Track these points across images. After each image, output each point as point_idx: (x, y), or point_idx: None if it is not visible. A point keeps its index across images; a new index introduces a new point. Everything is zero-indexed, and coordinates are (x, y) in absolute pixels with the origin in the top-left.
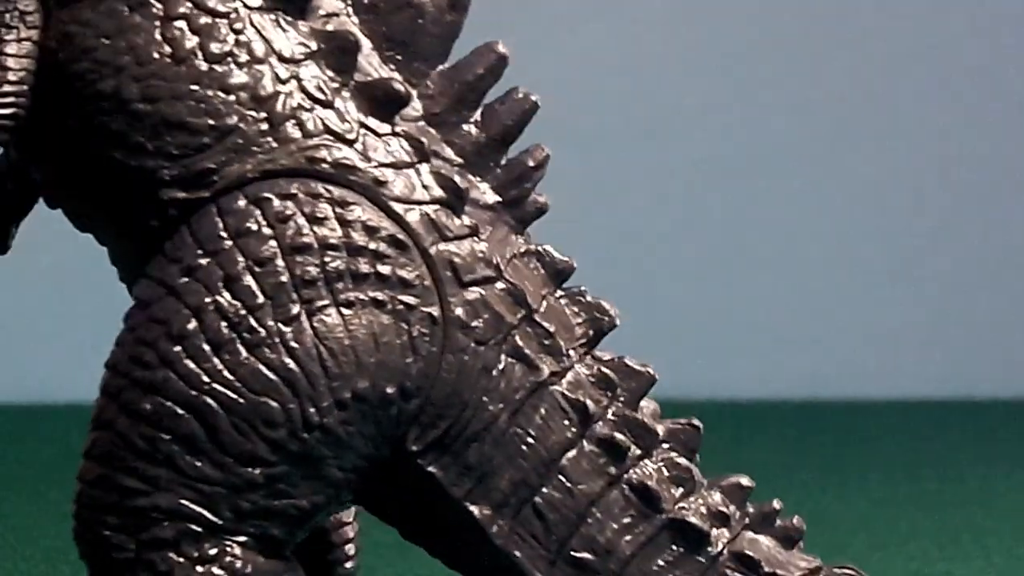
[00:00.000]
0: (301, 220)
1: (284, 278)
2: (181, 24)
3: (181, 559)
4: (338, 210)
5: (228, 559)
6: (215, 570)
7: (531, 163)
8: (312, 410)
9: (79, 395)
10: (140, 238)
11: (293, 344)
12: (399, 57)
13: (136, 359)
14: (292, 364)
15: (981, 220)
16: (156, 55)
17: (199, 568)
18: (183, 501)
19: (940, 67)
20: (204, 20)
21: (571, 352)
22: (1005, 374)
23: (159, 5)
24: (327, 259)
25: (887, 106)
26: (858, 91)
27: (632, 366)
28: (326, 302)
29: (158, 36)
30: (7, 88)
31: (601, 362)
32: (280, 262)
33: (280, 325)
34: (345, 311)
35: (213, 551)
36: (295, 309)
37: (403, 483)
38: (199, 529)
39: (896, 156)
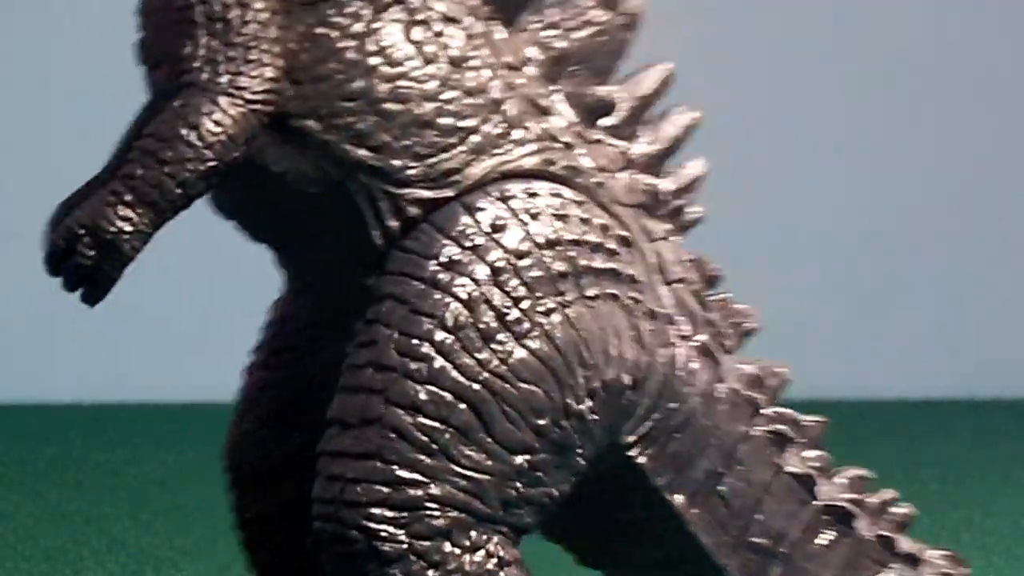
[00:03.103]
0: (548, 216)
1: (541, 271)
2: (424, 28)
3: (455, 549)
4: (575, 209)
5: (493, 547)
6: (484, 559)
7: (693, 174)
8: (571, 399)
9: (79, 395)
10: (367, 241)
11: (555, 334)
12: (578, 73)
13: (406, 352)
14: (555, 354)
15: (981, 220)
16: (404, 56)
17: (469, 557)
18: (455, 490)
19: (939, 68)
20: (443, 26)
21: (731, 351)
22: (1005, 374)
23: (402, 8)
24: (572, 254)
25: (887, 106)
26: (861, 94)
27: (771, 367)
28: (575, 295)
29: (404, 38)
30: (267, 86)
31: (746, 362)
32: (536, 256)
33: (540, 316)
34: (590, 304)
35: (482, 539)
36: (552, 301)
37: (604, 475)
38: (470, 518)
39: (896, 156)
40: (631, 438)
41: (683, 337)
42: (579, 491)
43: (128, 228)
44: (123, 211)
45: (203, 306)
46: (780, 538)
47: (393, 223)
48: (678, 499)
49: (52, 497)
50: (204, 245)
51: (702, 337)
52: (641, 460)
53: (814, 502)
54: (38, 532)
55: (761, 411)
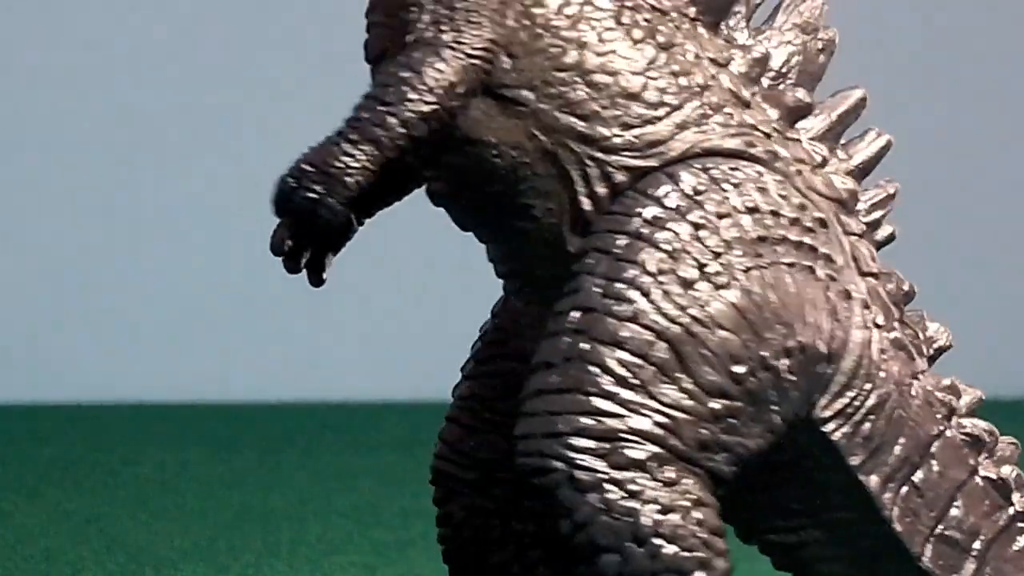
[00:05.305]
0: (749, 186)
1: (740, 232)
2: (633, 13)
3: (651, 480)
4: (774, 185)
5: (689, 486)
6: (679, 494)
7: (888, 192)
8: (767, 352)
9: (79, 395)
10: (576, 207)
11: (753, 289)
12: (781, 87)
13: (609, 294)
14: (752, 307)
15: (981, 220)
16: (615, 35)
17: (666, 491)
18: (654, 425)
19: (939, 67)
20: (651, 15)
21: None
22: (1005, 374)
23: None
24: (769, 223)
25: (885, 104)
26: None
27: (967, 387)
28: (772, 259)
29: (614, 20)
30: (486, 45)
31: (939, 378)
32: (735, 219)
33: (738, 272)
34: (786, 270)
35: (676, 476)
36: (750, 261)
37: (800, 451)
38: (667, 454)
39: (895, 156)
40: (827, 413)
41: (878, 326)
42: (778, 476)
43: (352, 163)
44: (348, 148)
45: (203, 306)
46: (974, 535)
47: (601, 189)
48: (872, 480)
49: (52, 497)
50: (204, 246)
51: (896, 332)
52: (836, 436)
53: (1010, 507)
54: (38, 532)
55: (957, 415)
